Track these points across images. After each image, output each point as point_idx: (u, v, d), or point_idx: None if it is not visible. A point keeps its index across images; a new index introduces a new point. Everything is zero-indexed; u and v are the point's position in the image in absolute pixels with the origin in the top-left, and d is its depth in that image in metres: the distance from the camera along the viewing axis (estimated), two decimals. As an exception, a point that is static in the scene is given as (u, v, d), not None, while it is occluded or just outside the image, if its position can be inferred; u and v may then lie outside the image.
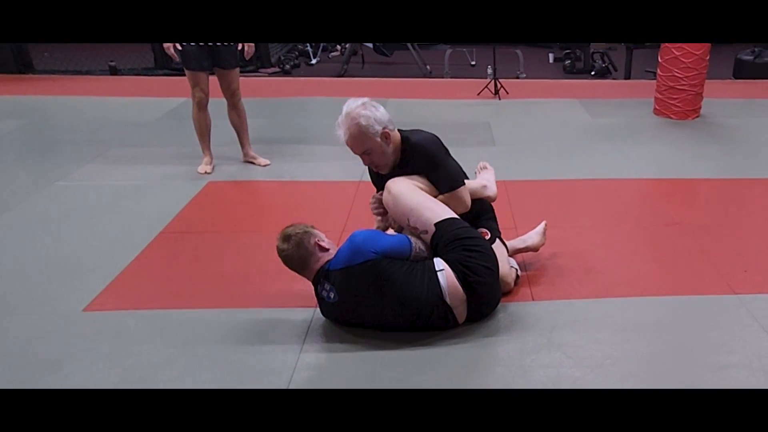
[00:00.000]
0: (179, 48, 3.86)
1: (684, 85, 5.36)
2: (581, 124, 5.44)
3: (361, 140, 2.49)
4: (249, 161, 4.34)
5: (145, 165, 4.26)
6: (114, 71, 7.30)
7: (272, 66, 8.13)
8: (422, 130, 2.68)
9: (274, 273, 2.65)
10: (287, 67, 8.09)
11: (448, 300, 2.34)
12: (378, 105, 2.54)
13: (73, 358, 2.27)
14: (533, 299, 2.68)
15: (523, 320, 2.51)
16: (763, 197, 3.84)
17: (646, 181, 4.07)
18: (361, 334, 2.39)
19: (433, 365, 2.24)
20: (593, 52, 8.22)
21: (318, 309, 2.49)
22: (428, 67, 8.02)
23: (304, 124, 5.32)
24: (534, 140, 4.90)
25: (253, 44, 4.08)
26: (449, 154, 2.67)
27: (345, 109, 2.50)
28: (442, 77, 7.70)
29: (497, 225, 2.82)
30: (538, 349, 2.33)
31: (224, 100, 4.19)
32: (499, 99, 6.20)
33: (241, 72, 4.23)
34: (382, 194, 2.64)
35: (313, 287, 2.43)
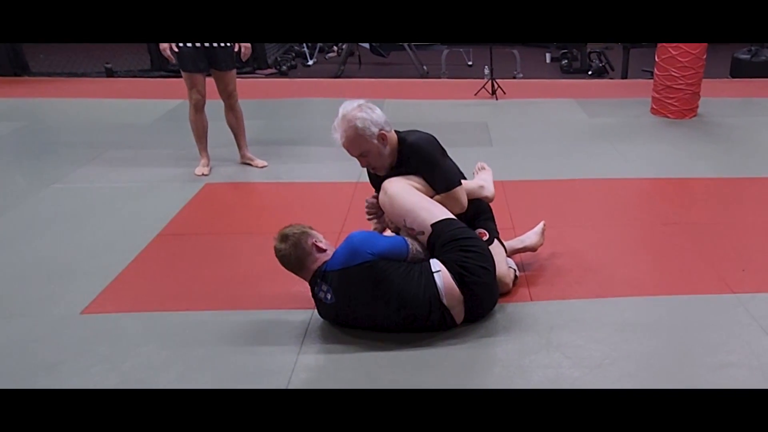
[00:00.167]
0: (176, 50, 3.85)
1: (681, 84, 5.36)
2: (578, 123, 5.44)
3: (357, 143, 2.49)
4: (246, 163, 4.33)
5: (142, 167, 4.25)
6: (110, 73, 7.27)
7: (269, 67, 8.11)
8: (418, 131, 2.68)
9: (272, 274, 2.64)
10: (284, 68, 8.08)
11: (445, 301, 2.34)
12: (374, 107, 2.54)
13: (71, 361, 2.26)
14: (531, 299, 2.68)
15: (521, 320, 2.51)
16: (760, 196, 3.84)
17: (643, 181, 4.07)
18: (359, 335, 2.38)
19: (431, 366, 2.24)
20: (590, 52, 8.22)
21: (316, 310, 2.49)
22: (425, 67, 8.02)
23: (301, 126, 5.31)
24: (531, 140, 4.90)
25: (249, 46, 4.07)
26: (446, 154, 2.67)
27: (341, 111, 2.49)
28: (439, 78, 7.70)
29: (495, 225, 2.82)
30: (537, 349, 2.33)
31: (221, 102, 4.19)
32: (497, 99, 6.20)
33: (237, 73, 4.23)
34: (376, 197, 2.64)
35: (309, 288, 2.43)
